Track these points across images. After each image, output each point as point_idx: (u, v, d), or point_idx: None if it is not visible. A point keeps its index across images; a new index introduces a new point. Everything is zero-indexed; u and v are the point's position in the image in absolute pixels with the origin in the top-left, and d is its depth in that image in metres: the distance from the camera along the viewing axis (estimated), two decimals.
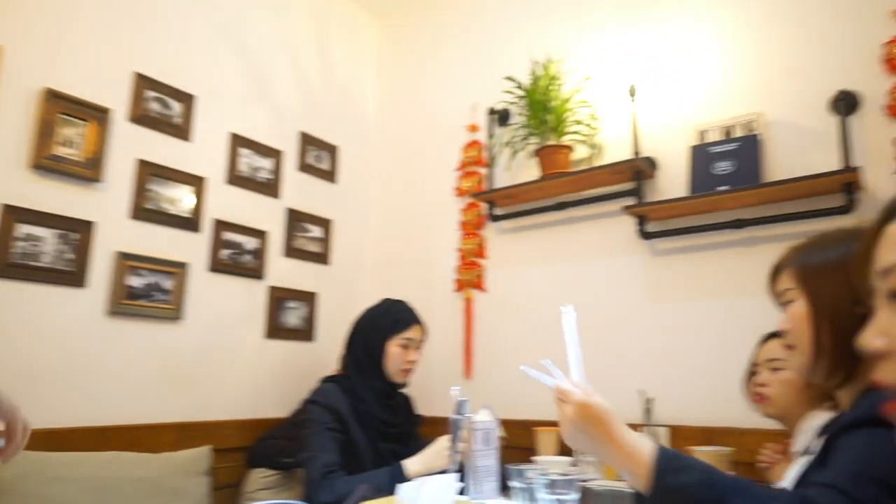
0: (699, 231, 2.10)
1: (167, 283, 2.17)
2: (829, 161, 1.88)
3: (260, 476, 2.25)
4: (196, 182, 2.30)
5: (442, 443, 1.59)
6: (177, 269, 2.20)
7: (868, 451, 0.76)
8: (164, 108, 2.23)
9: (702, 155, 2.08)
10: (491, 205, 2.58)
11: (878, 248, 0.52)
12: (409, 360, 1.85)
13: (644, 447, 0.88)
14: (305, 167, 2.74)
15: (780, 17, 2.08)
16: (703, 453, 1.61)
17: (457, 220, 2.73)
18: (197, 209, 2.29)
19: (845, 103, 1.88)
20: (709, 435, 1.92)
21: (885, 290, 0.50)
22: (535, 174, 2.41)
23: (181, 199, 2.25)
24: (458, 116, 2.81)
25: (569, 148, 2.34)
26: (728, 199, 1.97)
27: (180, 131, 2.27)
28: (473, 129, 2.75)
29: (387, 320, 1.87)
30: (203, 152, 2.34)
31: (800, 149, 1.98)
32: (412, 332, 1.86)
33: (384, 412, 1.82)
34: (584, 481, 1.77)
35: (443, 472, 1.38)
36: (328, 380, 1.92)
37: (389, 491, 1.47)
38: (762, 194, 1.93)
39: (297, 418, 2.35)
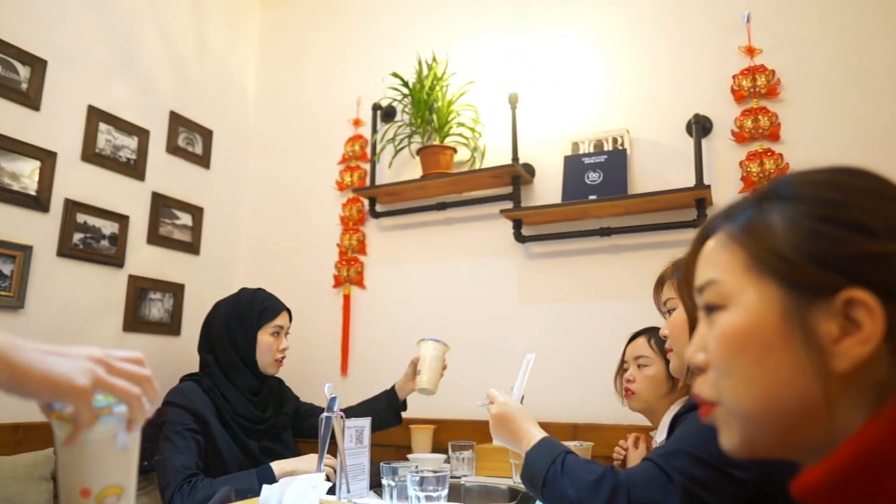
0: (570, 237, 2.21)
1: (5, 268, 1.94)
2: (685, 178, 2.05)
3: None
4: (45, 156, 2.07)
5: (303, 460, 1.57)
6: (17, 252, 1.97)
7: (688, 430, 0.89)
8: (8, 71, 1.99)
9: (575, 165, 2.20)
10: (372, 201, 2.56)
11: (697, 265, 0.56)
12: (282, 349, 1.79)
13: (534, 439, 1.09)
14: (175, 150, 2.56)
15: (651, 42, 2.24)
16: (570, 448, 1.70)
17: (337, 214, 2.68)
18: (45, 187, 2.06)
19: (700, 126, 2.07)
20: (575, 430, 2.04)
21: (701, 305, 0.54)
22: (418, 173, 2.42)
23: (26, 174, 2.02)
24: (342, 109, 2.76)
25: (451, 149, 2.38)
26: (597, 207, 2.10)
27: (27, 99, 2.04)
28: (357, 123, 2.71)
29: (254, 310, 1.79)
30: (55, 124, 2.12)
31: (661, 165, 2.15)
32: (281, 319, 1.80)
33: (250, 410, 1.74)
34: (456, 477, 1.81)
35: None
36: (187, 378, 1.81)
37: (258, 492, 1.42)
38: (627, 205, 2.08)
39: (157, 418, 2.20)
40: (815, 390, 0.45)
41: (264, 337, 1.75)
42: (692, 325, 0.69)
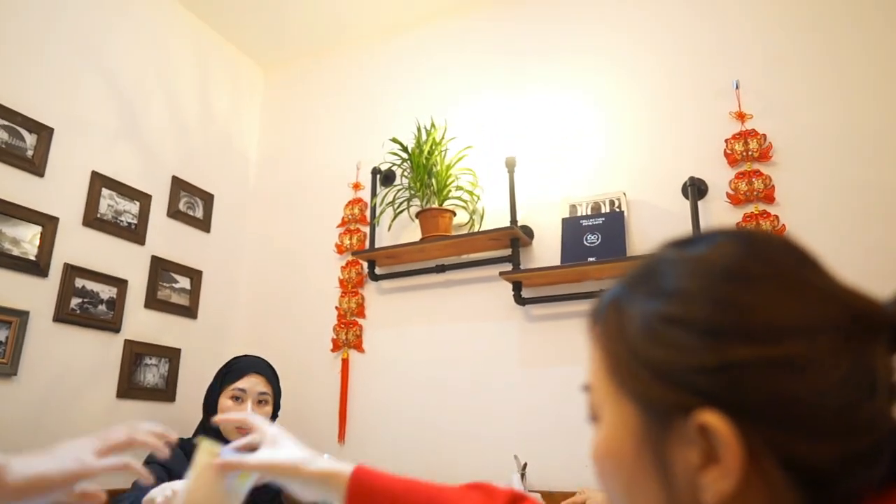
0: (570, 299, 2.21)
1: (0, 334, 1.91)
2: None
3: None
4: (46, 221, 2.08)
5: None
6: (13, 318, 1.95)
7: None
8: (14, 138, 2.03)
9: (573, 227, 2.22)
10: (371, 264, 2.57)
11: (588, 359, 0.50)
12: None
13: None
14: (176, 213, 2.58)
15: (646, 106, 2.30)
16: None
17: (336, 277, 2.68)
18: (45, 251, 2.06)
19: (696, 189, 2.10)
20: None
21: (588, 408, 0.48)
22: (417, 236, 2.43)
23: (27, 239, 2.02)
24: (342, 174, 2.80)
25: (451, 212, 2.40)
26: (596, 269, 2.10)
27: (32, 165, 2.07)
28: (357, 187, 2.75)
29: (220, 374, 1.76)
30: (58, 190, 2.14)
31: (658, 226, 2.16)
32: (245, 383, 1.72)
33: None
34: None
35: None
36: (181, 441, 1.76)
37: None
38: (626, 266, 2.06)
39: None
40: None
41: (224, 401, 1.71)
42: None
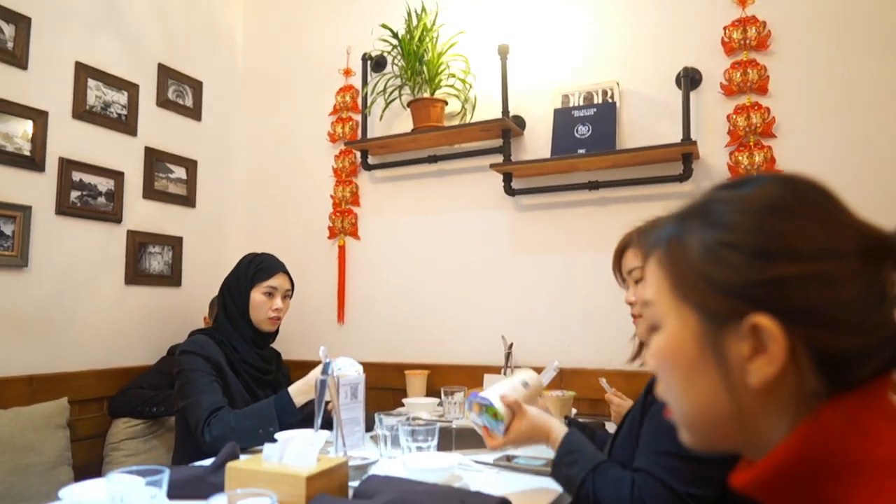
0: (559, 190, 2.25)
1: (6, 229, 1.99)
2: (673, 131, 2.07)
3: (125, 426, 2.20)
4: (36, 116, 2.08)
5: (317, 370, 1.64)
6: (16, 213, 2.01)
7: (661, 428, 0.96)
8: None
9: (564, 118, 2.21)
10: (364, 153, 2.58)
11: (645, 281, 0.60)
12: (275, 308, 1.87)
13: (557, 439, 1.13)
14: (166, 103, 2.56)
15: None
16: (551, 398, 1.81)
17: (330, 165, 2.71)
18: (38, 146, 2.08)
19: (689, 79, 2.07)
20: (561, 376, 2.13)
21: (647, 320, 0.59)
22: (409, 125, 2.43)
23: (18, 134, 2.03)
24: (332, 59, 2.73)
25: (442, 102, 2.38)
26: (585, 161, 2.13)
27: (14, 58, 2.03)
28: (348, 73, 2.69)
29: (250, 270, 1.88)
30: (43, 83, 2.11)
31: (649, 118, 2.16)
32: (275, 281, 1.87)
33: (257, 360, 1.84)
34: (447, 421, 1.93)
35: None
36: (198, 332, 1.90)
37: (277, 421, 1.52)
38: (615, 159, 2.11)
39: (163, 367, 2.31)
40: (729, 405, 0.50)
41: (256, 295, 1.83)
42: None
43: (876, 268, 0.49)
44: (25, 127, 2.05)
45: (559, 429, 1.14)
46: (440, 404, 2.04)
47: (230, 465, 1.08)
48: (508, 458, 1.46)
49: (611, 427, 1.75)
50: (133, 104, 2.41)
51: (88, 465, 2.11)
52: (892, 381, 0.50)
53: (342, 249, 2.65)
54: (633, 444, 1.05)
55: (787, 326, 0.47)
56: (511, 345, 2.19)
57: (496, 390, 1.23)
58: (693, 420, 0.54)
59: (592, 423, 1.57)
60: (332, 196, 2.69)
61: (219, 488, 1.07)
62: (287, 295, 1.91)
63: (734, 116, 2.04)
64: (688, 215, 0.55)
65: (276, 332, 1.92)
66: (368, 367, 1.88)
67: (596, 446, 1.14)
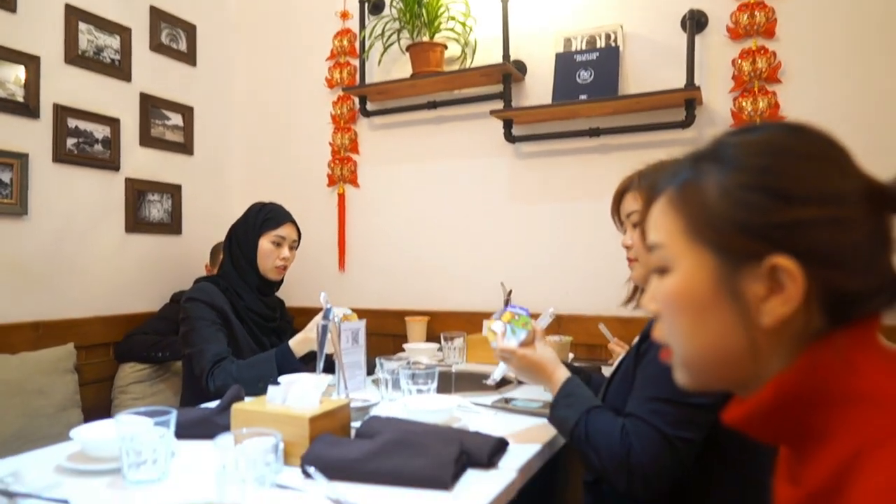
0: (560, 137, 2.23)
1: (4, 176, 1.98)
2: (677, 76, 2.04)
3: (131, 370, 2.25)
4: (28, 61, 2.04)
5: (317, 319, 1.66)
6: (13, 161, 2.00)
7: (655, 375, 0.99)
8: None
9: (566, 63, 2.17)
10: (363, 99, 2.54)
11: (647, 224, 0.60)
12: (283, 258, 1.88)
13: (558, 382, 1.15)
14: (159, 47, 2.50)
15: None
16: (550, 342, 1.83)
17: (328, 112, 2.67)
18: (32, 92, 2.05)
19: (695, 22, 2.02)
20: (559, 322, 2.17)
21: (651, 263, 0.60)
22: (408, 70, 2.38)
23: (11, 80, 2.00)
24: (329, 1, 2.65)
25: (442, 46, 2.33)
26: (586, 108, 2.10)
27: (2, 1, 1.97)
28: (345, 16, 2.62)
29: (259, 218, 1.89)
30: (34, 26, 2.07)
31: (653, 63, 2.12)
32: (283, 230, 1.88)
33: (262, 308, 1.86)
34: (447, 365, 1.97)
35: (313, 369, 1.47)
36: (203, 279, 1.91)
37: (277, 372, 1.54)
38: (617, 106, 2.08)
39: (167, 314, 2.34)
40: (744, 343, 0.52)
41: (265, 243, 1.84)
42: None
43: (879, 214, 0.51)
44: (17, 72, 2.01)
45: (563, 374, 1.17)
46: (440, 349, 2.08)
47: (235, 406, 1.11)
48: (506, 401, 1.50)
49: (607, 372, 1.79)
50: (126, 49, 2.36)
51: (97, 408, 2.17)
52: (881, 322, 0.52)
53: (342, 197, 2.64)
54: (626, 389, 1.07)
55: (805, 267, 0.48)
56: (510, 291, 2.21)
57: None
58: (699, 360, 0.55)
59: (588, 368, 1.60)
60: (330, 143, 2.67)
61: (225, 428, 1.10)
62: (294, 245, 1.92)
63: (739, 61, 2.00)
64: (701, 159, 0.55)
65: (281, 280, 1.94)
66: (369, 314, 1.91)
67: (591, 389, 1.16)
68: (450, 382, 1.96)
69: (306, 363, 1.64)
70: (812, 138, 0.53)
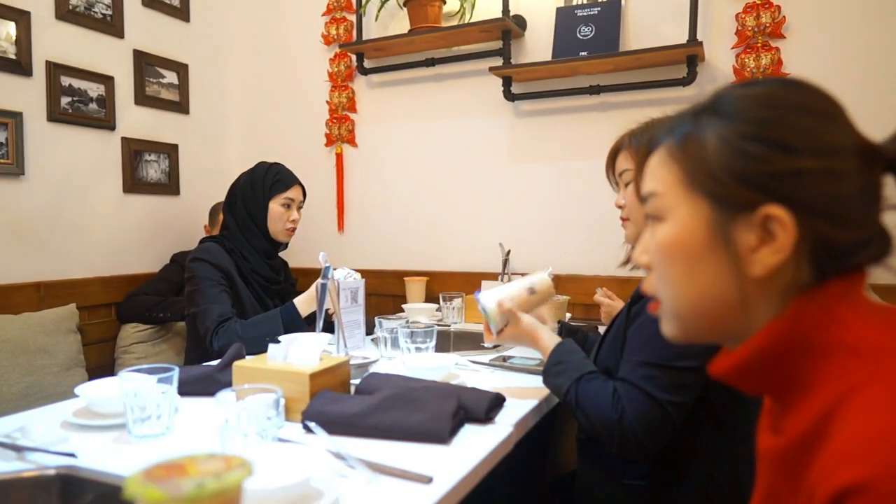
0: (560, 95, 2.20)
1: (0, 136, 1.96)
2: (679, 32, 2.00)
3: (133, 330, 2.27)
4: (18, 17, 2.00)
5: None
6: (8, 120, 1.98)
7: (645, 339, 1.00)
8: None
9: (567, 18, 2.13)
10: (360, 56, 2.50)
11: (643, 175, 0.61)
12: (292, 220, 1.88)
13: (547, 349, 1.16)
14: (151, 2, 2.45)
15: None
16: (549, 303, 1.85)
17: (325, 70, 2.63)
18: (24, 50, 2.02)
19: None
20: (557, 281, 2.18)
21: (645, 213, 0.60)
22: (405, 27, 2.34)
23: (2, 36, 1.96)
24: None
25: (440, 0, 2.27)
26: (587, 64, 2.07)
27: None
28: None
29: (267, 181, 1.88)
30: None
31: (655, 17, 2.07)
32: (292, 192, 1.88)
33: (267, 270, 1.87)
34: (445, 325, 1.99)
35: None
36: (208, 240, 1.92)
37: (284, 330, 1.57)
38: (618, 62, 2.04)
39: (167, 274, 2.35)
40: (733, 293, 0.53)
41: (275, 206, 1.84)
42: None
43: (872, 170, 0.52)
44: (8, 28, 1.98)
45: (549, 339, 1.17)
46: (439, 310, 2.10)
47: (237, 363, 1.13)
48: (504, 359, 1.52)
49: (602, 331, 1.81)
50: (118, 4, 2.31)
51: (101, 367, 2.20)
52: (866, 276, 0.53)
53: (340, 157, 2.63)
54: (618, 349, 1.08)
55: (797, 217, 0.49)
56: (508, 251, 2.22)
57: (495, 294, 1.25)
58: (689, 310, 0.56)
59: (585, 327, 1.62)
60: (328, 102, 2.63)
61: (227, 385, 1.12)
62: (300, 207, 1.92)
63: (743, 16, 1.96)
64: (701, 112, 0.56)
65: (287, 242, 1.94)
66: (369, 274, 1.92)
67: (588, 349, 1.18)
68: (448, 341, 1.99)
69: (308, 323, 1.66)
70: (811, 93, 0.54)
